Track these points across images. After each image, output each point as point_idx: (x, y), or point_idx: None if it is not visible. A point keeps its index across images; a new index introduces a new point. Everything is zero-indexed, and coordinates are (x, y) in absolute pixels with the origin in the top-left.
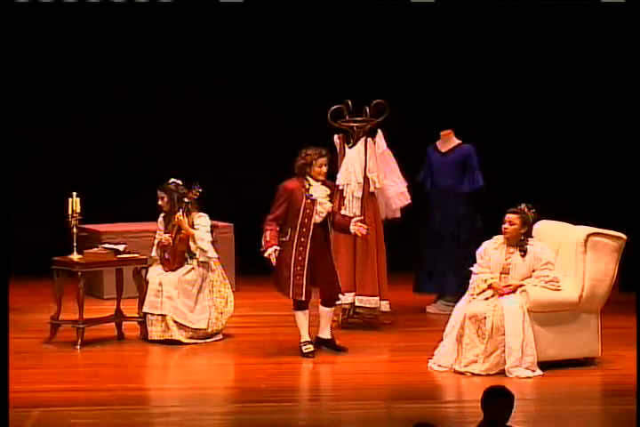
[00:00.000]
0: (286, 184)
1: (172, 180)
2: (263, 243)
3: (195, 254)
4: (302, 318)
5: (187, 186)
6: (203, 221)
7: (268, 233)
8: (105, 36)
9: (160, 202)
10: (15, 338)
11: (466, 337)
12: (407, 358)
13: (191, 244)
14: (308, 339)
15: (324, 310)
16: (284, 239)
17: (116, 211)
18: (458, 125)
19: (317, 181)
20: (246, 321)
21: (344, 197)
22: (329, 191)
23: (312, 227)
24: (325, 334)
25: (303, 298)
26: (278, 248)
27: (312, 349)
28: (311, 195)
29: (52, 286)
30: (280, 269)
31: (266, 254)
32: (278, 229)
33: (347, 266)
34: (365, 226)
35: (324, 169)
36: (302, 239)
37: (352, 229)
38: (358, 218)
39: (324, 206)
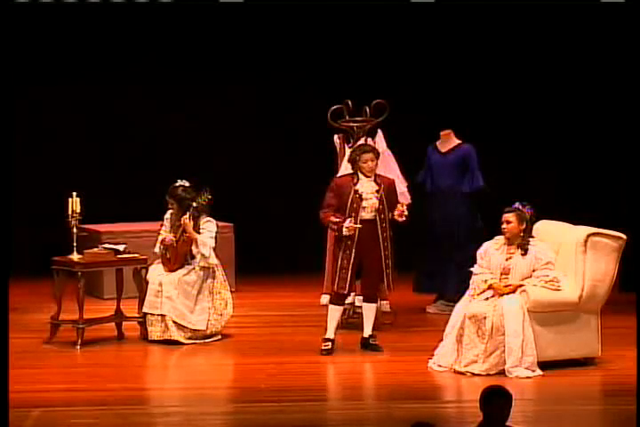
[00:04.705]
0: (336, 179)
1: (179, 182)
2: (334, 227)
3: (196, 257)
4: (334, 312)
5: (195, 188)
6: (209, 226)
7: (330, 217)
8: (105, 36)
9: (170, 206)
10: (15, 338)
11: (466, 337)
12: (407, 358)
13: (193, 248)
14: (331, 337)
15: (364, 305)
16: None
17: (116, 211)
18: (458, 125)
19: (367, 176)
20: (246, 321)
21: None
22: (377, 187)
23: (359, 222)
24: (366, 331)
25: (346, 291)
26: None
27: (329, 347)
28: (357, 189)
29: (52, 285)
30: (329, 262)
31: (345, 232)
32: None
33: None
34: (406, 213)
35: (370, 164)
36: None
37: (395, 213)
38: (403, 203)
39: (369, 202)
